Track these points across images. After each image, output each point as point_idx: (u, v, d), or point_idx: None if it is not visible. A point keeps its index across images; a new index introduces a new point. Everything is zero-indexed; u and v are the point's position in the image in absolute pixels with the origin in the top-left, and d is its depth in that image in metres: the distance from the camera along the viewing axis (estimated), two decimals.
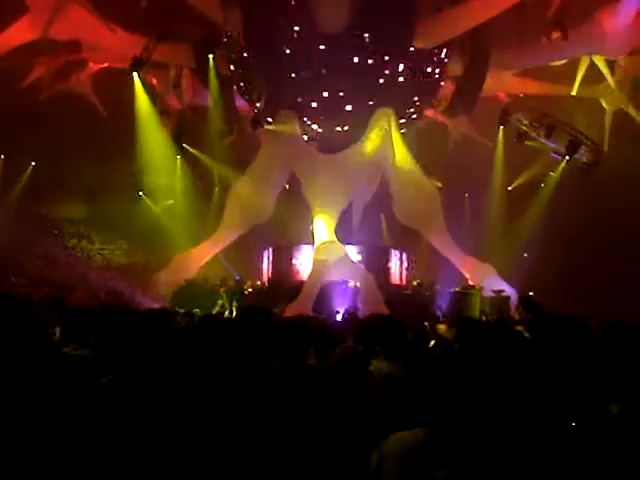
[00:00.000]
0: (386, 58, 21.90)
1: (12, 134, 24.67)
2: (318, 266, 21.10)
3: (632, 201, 22.90)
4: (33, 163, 27.02)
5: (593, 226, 24.00)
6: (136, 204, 26.36)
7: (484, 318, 17.28)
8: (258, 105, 22.08)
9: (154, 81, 25.00)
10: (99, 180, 26.48)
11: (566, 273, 22.65)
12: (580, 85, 24.78)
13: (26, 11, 22.19)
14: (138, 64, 20.13)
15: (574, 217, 23.57)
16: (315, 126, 23.43)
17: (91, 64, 26.40)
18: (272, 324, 3.51)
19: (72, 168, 25.75)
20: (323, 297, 19.86)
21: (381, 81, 22.23)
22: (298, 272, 24.02)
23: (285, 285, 22.76)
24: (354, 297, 19.72)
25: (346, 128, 23.18)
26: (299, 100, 22.57)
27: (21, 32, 22.69)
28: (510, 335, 3.96)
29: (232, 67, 23.22)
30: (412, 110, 24.15)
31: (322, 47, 21.43)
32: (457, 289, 22.11)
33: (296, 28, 21.39)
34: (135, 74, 22.14)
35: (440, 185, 24.75)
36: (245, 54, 22.33)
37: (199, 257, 23.25)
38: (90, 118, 25.75)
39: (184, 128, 22.67)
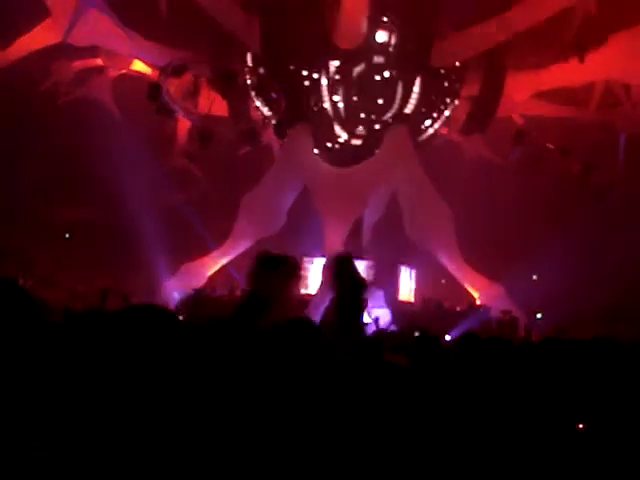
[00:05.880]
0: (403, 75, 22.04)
1: (25, 136, 24.83)
2: (327, 280, 21.04)
3: None
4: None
5: (605, 248, 23.89)
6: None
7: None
8: (276, 116, 22.19)
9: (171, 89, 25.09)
10: (111, 183, 26.56)
11: (576, 294, 22.51)
12: (595, 108, 24.73)
13: (48, 15, 22.42)
14: (155, 92, 20.16)
15: (586, 239, 23.48)
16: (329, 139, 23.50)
17: (109, 70, 26.58)
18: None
19: (84, 171, 25.81)
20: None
21: (398, 97, 22.35)
22: (307, 285, 23.97)
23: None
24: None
25: (360, 142, 23.23)
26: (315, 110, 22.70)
27: (42, 36, 22.93)
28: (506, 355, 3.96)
29: (250, 79, 23.37)
30: (427, 128, 24.19)
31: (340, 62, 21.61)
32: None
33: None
34: None
35: None
36: (264, 67, 22.50)
37: (208, 266, 23.24)
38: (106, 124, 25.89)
39: (207, 133, 22.73)
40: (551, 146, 22.48)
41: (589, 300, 21.73)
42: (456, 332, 16.58)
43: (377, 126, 22.92)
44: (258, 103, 23.67)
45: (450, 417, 3.19)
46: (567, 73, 23.33)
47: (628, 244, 23.02)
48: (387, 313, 19.53)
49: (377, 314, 19.16)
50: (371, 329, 14.36)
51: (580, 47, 21.47)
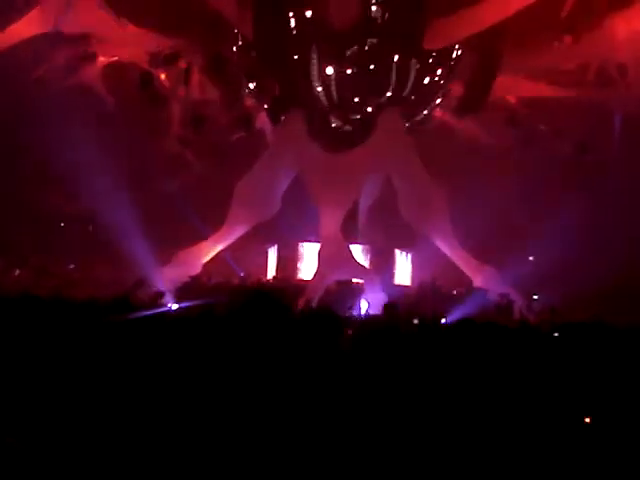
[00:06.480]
0: (396, 58, 21.92)
1: (18, 125, 24.69)
2: (322, 265, 21.05)
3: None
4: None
5: (602, 231, 23.89)
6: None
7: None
8: (269, 101, 22.14)
9: (163, 76, 24.96)
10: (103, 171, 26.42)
11: (572, 277, 22.54)
12: (590, 88, 24.68)
13: (37, 4, 22.25)
14: (147, 81, 20.10)
15: (582, 219, 23.48)
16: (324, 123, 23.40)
17: (100, 58, 26.40)
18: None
19: (76, 160, 25.66)
20: (328, 296, 19.83)
21: (392, 80, 22.25)
22: (303, 270, 23.99)
23: (290, 283, 22.72)
24: (359, 297, 19.67)
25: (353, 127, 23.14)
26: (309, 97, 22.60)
27: (32, 24, 22.75)
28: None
29: (242, 65, 23.25)
30: (421, 110, 24.10)
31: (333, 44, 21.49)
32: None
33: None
34: None
35: None
36: (256, 53, 22.37)
37: (203, 253, 23.11)
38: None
39: (200, 118, 22.67)
40: (543, 127, 22.44)
41: (585, 280, 21.79)
42: (453, 315, 16.65)
43: (370, 109, 22.81)
44: (251, 88, 23.55)
45: (450, 402, 3.20)
46: (562, 54, 23.27)
47: (624, 224, 23.07)
48: (383, 297, 19.55)
49: (373, 298, 19.26)
50: (365, 314, 14.44)
51: (575, 28, 21.39)
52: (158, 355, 3.25)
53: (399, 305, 18.56)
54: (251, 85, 23.46)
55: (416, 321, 8.93)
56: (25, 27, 22.87)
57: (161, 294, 13.50)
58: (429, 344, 4.89)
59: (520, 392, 3.32)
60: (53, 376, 2.82)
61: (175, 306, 15.46)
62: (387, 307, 13.89)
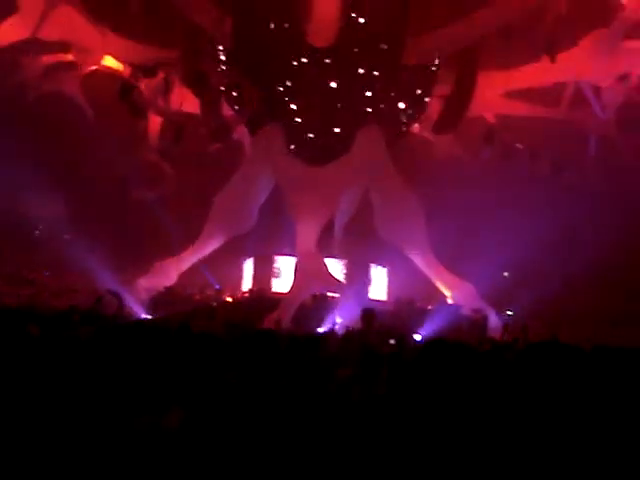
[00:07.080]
0: (375, 73, 22.05)
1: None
2: (299, 278, 21.03)
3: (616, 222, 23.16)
4: None
5: (576, 245, 24.13)
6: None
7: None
8: (248, 113, 22.15)
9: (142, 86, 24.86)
10: (80, 178, 26.26)
11: (548, 294, 22.74)
12: (565, 108, 25.00)
13: (16, 10, 22.10)
14: (126, 91, 20.03)
15: (558, 237, 23.70)
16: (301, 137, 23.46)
17: (80, 66, 26.27)
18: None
19: (53, 166, 25.50)
20: (303, 310, 19.81)
21: (370, 95, 22.36)
22: (279, 283, 23.96)
23: (265, 296, 22.69)
24: (333, 311, 19.64)
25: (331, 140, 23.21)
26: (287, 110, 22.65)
27: (10, 30, 22.58)
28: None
29: (221, 77, 23.25)
30: (399, 126, 24.24)
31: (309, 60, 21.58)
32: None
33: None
34: None
35: None
36: (234, 64, 22.38)
37: (179, 264, 23.03)
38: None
39: (180, 129, 22.66)
40: (520, 146, 22.65)
41: (559, 297, 21.99)
42: (426, 331, 16.70)
43: (349, 123, 22.90)
44: (229, 99, 23.56)
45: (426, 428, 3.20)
46: (538, 73, 23.53)
47: (597, 240, 23.32)
48: (357, 312, 19.51)
49: (348, 313, 19.23)
50: (339, 329, 14.42)
51: (551, 47, 21.61)
52: (128, 368, 3.24)
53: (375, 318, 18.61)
54: (230, 97, 23.48)
55: (392, 341, 8.92)
56: (2, 33, 22.70)
57: (122, 304, 13.39)
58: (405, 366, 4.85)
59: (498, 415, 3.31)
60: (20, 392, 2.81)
61: (148, 317, 15.40)
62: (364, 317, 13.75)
